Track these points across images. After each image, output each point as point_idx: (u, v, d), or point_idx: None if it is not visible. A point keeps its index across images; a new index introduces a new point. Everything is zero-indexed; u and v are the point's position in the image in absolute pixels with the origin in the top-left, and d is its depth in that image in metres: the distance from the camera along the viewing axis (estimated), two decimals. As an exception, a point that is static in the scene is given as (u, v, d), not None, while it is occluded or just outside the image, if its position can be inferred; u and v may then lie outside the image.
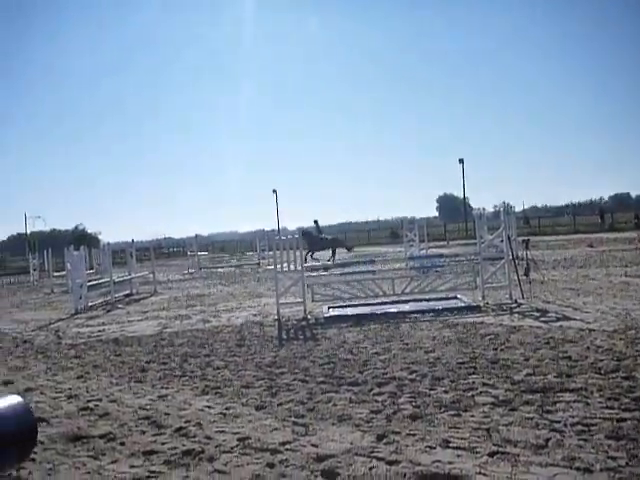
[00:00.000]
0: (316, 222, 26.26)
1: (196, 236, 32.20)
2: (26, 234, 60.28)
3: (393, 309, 10.11)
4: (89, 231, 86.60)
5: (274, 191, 62.20)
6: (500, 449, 3.77)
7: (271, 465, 3.82)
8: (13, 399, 0.59)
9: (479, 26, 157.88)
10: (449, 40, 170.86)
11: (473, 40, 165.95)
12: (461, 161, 52.25)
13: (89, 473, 3.91)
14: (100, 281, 16.82)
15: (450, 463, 3.63)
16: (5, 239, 76.57)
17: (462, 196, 57.52)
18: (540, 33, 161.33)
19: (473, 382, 5.39)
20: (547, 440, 3.86)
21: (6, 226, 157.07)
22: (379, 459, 3.78)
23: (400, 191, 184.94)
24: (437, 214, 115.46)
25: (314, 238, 23.66)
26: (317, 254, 24.47)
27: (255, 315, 10.98)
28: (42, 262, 28.98)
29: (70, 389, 6.34)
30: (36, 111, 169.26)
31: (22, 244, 58.49)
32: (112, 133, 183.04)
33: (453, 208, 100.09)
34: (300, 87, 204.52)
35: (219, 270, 27.35)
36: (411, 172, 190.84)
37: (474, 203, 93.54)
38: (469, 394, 5.03)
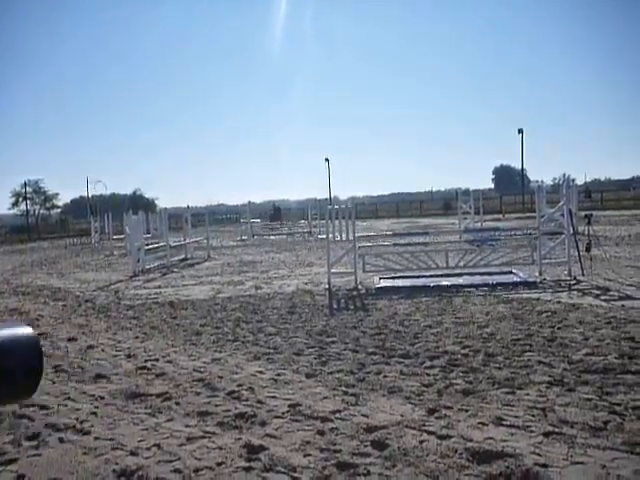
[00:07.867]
0: None
1: (249, 203, 32.51)
2: (88, 197, 62.47)
3: (446, 282, 9.94)
4: (146, 196, 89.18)
5: (326, 160, 61.95)
6: (556, 429, 3.67)
7: (321, 433, 3.86)
8: (22, 330, 0.55)
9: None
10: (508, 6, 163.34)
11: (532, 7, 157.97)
12: (520, 131, 50.46)
13: (147, 430, 4.07)
14: (157, 245, 17.35)
15: (503, 441, 3.56)
16: (69, 202, 79.59)
17: (520, 168, 55.72)
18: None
19: (528, 360, 5.26)
20: (606, 423, 3.72)
21: (70, 190, 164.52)
22: (430, 433, 3.75)
23: (454, 162, 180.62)
24: (492, 186, 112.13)
25: None
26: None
27: (306, 283, 11.06)
28: (103, 225, 30.14)
29: (129, 348, 6.60)
30: (99, 81, 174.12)
31: (84, 207, 60.73)
32: (171, 105, 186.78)
33: (510, 180, 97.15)
34: (353, 51, 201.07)
35: (271, 238, 27.69)
36: (465, 142, 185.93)
37: (532, 175, 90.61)
38: (524, 372, 4.90)
